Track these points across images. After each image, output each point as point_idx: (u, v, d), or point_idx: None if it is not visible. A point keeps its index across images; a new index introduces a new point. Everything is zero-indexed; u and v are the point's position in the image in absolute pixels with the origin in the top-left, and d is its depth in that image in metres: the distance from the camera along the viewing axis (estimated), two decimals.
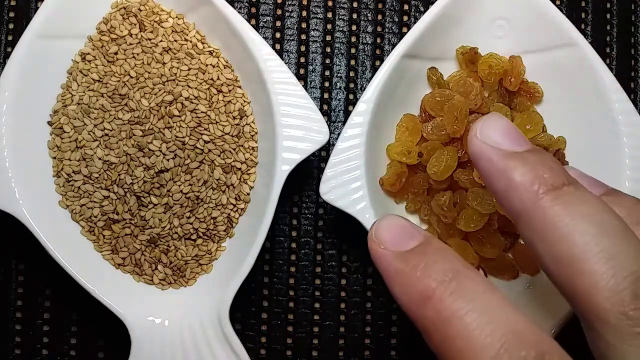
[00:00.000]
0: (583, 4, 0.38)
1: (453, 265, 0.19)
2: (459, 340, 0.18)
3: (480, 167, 0.21)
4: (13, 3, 0.37)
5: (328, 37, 0.38)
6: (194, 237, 0.34)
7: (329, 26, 0.38)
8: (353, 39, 0.38)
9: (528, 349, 0.18)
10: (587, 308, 0.19)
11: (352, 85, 0.37)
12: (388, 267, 0.20)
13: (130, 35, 0.34)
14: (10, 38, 0.37)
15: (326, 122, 0.33)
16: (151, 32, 0.34)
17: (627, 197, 0.24)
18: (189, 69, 0.34)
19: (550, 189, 0.20)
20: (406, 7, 0.38)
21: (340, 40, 0.38)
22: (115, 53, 0.34)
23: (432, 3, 0.34)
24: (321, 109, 0.37)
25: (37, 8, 0.34)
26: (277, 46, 0.37)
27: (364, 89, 0.33)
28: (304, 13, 0.38)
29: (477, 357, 0.18)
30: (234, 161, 0.34)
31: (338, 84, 0.37)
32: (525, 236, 0.20)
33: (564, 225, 0.19)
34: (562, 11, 0.35)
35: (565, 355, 0.18)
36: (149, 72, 0.34)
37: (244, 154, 0.34)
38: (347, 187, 0.32)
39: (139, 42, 0.34)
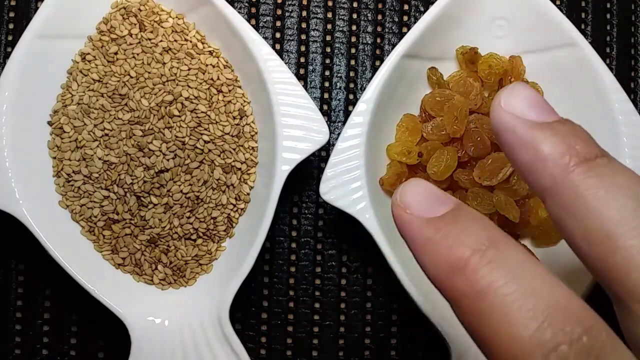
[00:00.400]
0: (583, 4, 0.38)
1: (489, 232, 0.17)
2: (495, 314, 0.16)
3: (504, 139, 0.20)
4: (13, 3, 0.37)
5: (328, 37, 0.38)
6: (194, 237, 0.34)
7: (329, 26, 0.38)
8: (353, 39, 0.38)
9: (573, 324, 0.16)
10: (621, 288, 0.17)
11: (352, 85, 0.37)
12: (415, 234, 0.18)
13: (130, 35, 0.34)
14: (10, 38, 0.37)
15: (326, 122, 0.33)
16: (151, 32, 0.34)
17: None
18: (189, 69, 0.34)
19: (582, 161, 0.18)
20: (406, 7, 0.38)
21: (340, 40, 0.38)
22: (115, 53, 0.34)
23: (432, 3, 0.34)
24: (321, 109, 0.37)
25: (37, 8, 0.34)
26: (277, 46, 0.37)
27: (364, 89, 0.33)
28: (304, 13, 0.38)
29: (516, 333, 0.16)
30: (234, 161, 0.34)
31: (338, 84, 0.37)
32: (554, 213, 0.19)
33: (597, 198, 0.18)
34: (562, 11, 0.35)
35: (612, 332, 0.17)
36: (149, 72, 0.34)
37: (244, 154, 0.34)
38: (347, 187, 0.32)
39: (139, 42, 0.34)
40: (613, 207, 0.17)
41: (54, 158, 0.33)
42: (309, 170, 0.37)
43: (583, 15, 0.38)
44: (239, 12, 0.33)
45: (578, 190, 0.18)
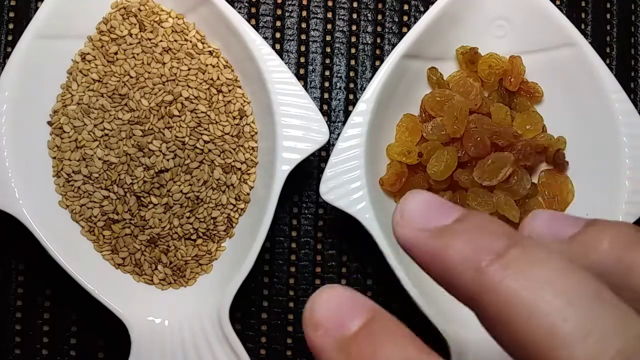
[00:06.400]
0: (583, 4, 0.38)
1: (404, 352, 0.16)
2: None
3: (414, 258, 0.17)
4: (13, 3, 0.37)
5: (328, 37, 0.38)
6: (194, 237, 0.34)
7: (329, 26, 0.38)
8: (353, 39, 0.38)
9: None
10: None
11: (352, 85, 0.37)
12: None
13: (130, 35, 0.34)
14: (10, 38, 0.37)
15: (326, 122, 0.33)
16: (151, 32, 0.34)
17: (610, 224, 0.19)
18: (189, 69, 0.34)
19: (494, 258, 0.15)
20: (406, 7, 0.38)
21: (340, 40, 0.38)
22: (115, 53, 0.34)
23: (432, 3, 0.34)
24: (321, 109, 0.37)
25: (37, 8, 0.34)
26: (277, 46, 0.37)
27: (364, 89, 0.33)
28: (304, 13, 0.38)
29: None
30: (234, 161, 0.34)
31: (338, 84, 0.37)
32: (485, 327, 0.16)
33: (522, 303, 0.15)
34: (562, 11, 0.35)
35: None
36: (149, 72, 0.34)
37: (244, 154, 0.34)
38: (347, 187, 0.32)
39: (139, 42, 0.34)
40: (540, 313, 0.15)
41: (54, 158, 0.33)
42: (309, 170, 0.37)
43: (583, 15, 0.38)
44: (239, 12, 0.33)
45: (499, 296, 0.15)
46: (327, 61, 0.37)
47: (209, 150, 0.34)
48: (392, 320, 0.17)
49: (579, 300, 0.15)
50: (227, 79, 0.34)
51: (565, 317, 0.15)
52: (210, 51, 0.35)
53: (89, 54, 0.34)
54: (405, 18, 0.38)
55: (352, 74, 0.37)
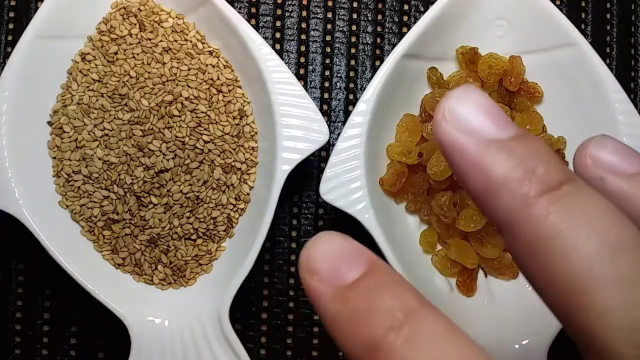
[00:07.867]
0: (583, 4, 0.38)
1: (404, 303, 0.15)
2: None
3: (452, 162, 0.16)
4: (13, 3, 0.37)
5: (328, 37, 0.38)
6: (194, 237, 0.34)
7: (329, 26, 0.38)
8: (353, 39, 0.38)
9: None
10: (591, 344, 0.15)
11: (352, 85, 0.37)
12: (325, 309, 0.16)
13: (130, 35, 0.34)
14: (10, 38, 0.37)
15: (326, 122, 0.33)
16: (151, 32, 0.34)
17: None
18: (189, 69, 0.34)
19: (544, 190, 0.15)
20: (406, 7, 0.38)
21: (340, 40, 0.38)
22: (115, 53, 0.34)
23: (432, 3, 0.34)
24: (321, 109, 0.37)
25: (37, 8, 0.34)
26: (277, 46, 0.37)
27: (364, 89, 0.33)
28: (304, 13, 0.38)
29: None
30: (234, 161, 0.34)
31: (338, 84, 0.37)
32: (513, 252, 0.16)
33: (565, 241, 0.14)
34: (562, 11, 0.35)
35: None
36: (149, 72, 0.34)
37: (244, 154, 0.34)
38: (347, 187, 0.32)
39: (139, 42, 0.34)
40: (584, 253, 0.14)
41: (54, 158, 0.33)
42: (309, 170, 0.37)
43: (583, 15, 0.38)
44: (239, 12, 0.33)
45: (541, 229, 0.15)
46: (327, 61, 0.37)
47: (209, 150, 0.34)
48: (391, 272, 0.16)
49: (622, 248, 0.14)
50: (227, 79, 0.34)
51: (606, 262, 0.14)
52: (210, 51, 0.35)
53: (89, 54, 0.34)
54: (405, 18, 0.38)
55: (352, 74, 0.37)
